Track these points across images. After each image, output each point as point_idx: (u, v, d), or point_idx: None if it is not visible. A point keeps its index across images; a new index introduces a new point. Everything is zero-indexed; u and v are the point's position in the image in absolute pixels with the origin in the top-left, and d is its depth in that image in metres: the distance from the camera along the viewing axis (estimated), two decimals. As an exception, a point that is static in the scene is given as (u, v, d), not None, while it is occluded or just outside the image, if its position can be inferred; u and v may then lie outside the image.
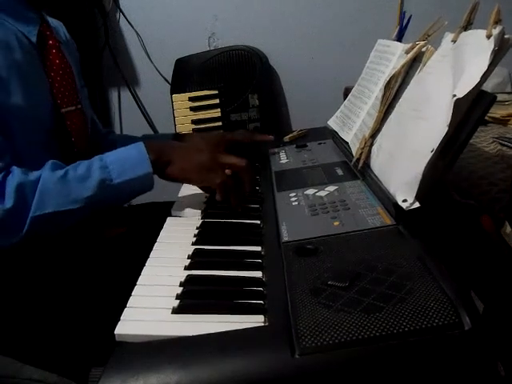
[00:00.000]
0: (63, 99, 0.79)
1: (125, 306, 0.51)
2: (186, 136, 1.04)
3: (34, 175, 0.66)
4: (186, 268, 0.59)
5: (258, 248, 0.63)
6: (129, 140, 1.01)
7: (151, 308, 0.51)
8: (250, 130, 0.93)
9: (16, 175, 0.65)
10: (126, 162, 0.71)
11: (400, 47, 0.81)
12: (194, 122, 1.48)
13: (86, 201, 0.67)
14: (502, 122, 0.92)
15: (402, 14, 0.86)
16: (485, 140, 0.83)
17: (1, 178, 0.64)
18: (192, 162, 0.74)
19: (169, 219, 0.74)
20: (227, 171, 0.76)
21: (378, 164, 0.72)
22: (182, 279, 0.55)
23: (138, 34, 1.57)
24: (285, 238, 0.62)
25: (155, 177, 0.73)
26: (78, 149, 0.82)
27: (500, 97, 0.99)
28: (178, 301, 0.51)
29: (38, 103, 0.75)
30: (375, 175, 0.71)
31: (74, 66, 0.89)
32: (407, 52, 0.76)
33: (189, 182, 0.79)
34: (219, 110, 1.47)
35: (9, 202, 0.62)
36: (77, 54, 0.96)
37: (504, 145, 0.79)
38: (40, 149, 0.76)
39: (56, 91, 0.78)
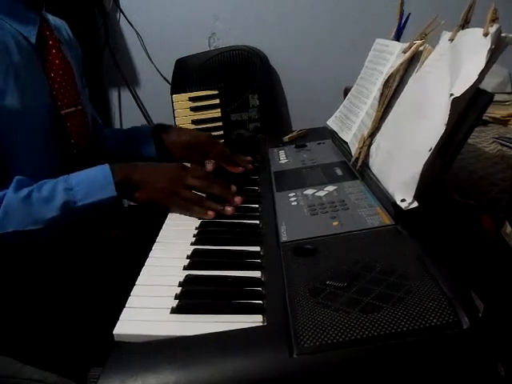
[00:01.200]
0: (63, 100, 0.79)
1: (124, 306, 0.51)
2: (172, 131, 1.02)
3: None
4: (185, 268, 0.59)
5: (257, 248, 0.63)
6: (118, 134, 1.01)
7: (150, 308, 0.51)
8: (227, 151, 0.91)
9: None
10: (90, 184, 0.70)
11: (398, 46, 0.81)
12: (194, 122, 1.48)
13: (48, 222, 0.67)
14: (502, 122, 0.92)
15: (402, 13, 0.86)
16: (485, 140, 0.83)
17: None
18: (159, 185, 0.74)
19: (168, 219, 0.74)
20: None
21: (376, 164, 0.72)
22: (181, 279, 0.56)
23: (138, 33, 1.57)
24: (284, 237, 0.62)
25: None
26: (78, 150, 0.82)
27: (500, 97, 0.98)
28: (176, 301, 0.52)
29: (36, 105, 0.74)
30: (374, 175, 0.71)
31: (76, 65, 0.89)
32: (405, 51, 0.76)
33: (157, 204, 0.78)
34: (219, 110, 1.46)
35: None
36: (80, 53, 0.95)
37: (504, 145, 0.79)
38: (39, 150, 0.76)
39: (56, 92, 0.78)
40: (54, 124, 0.78)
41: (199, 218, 0.72)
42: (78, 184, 0.70)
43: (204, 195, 0.75)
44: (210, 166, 0.84)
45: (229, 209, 0.73)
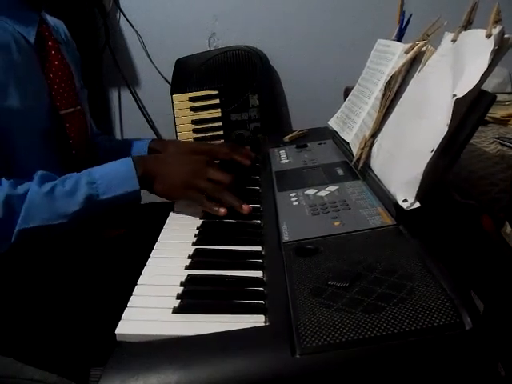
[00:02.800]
0: (62, 101, 0.79)
1: (125, 306, 0.51)
2: (170, 145, 0.99)
3: (22, 188, 0.66)
4: (187, 268, 0.59)
5: (259, 248, 0.63)
6: (111, 143, 1.01)
7: (152, 308, 0.51)
8: (232, 143, 0.90)
9: (4, 187, 0.65)
10: (113, 178, 0.71)
11: (400, 47, 0.81)
12: (194, 122, 1.48)
13: (72, 215, 0.68)
14: (503, 122, 0.92)
15: (402, 14, 0.86)
16: (485, 140, 0.83)
17: None
18: (173, 180, 0.74)
19: (169, 219, 0.74)
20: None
21: (378, 164, 0.72)
22: (183, 279, 0.56)
23: (138, 34, 1.57)
24: (285, 237, 0.62)
25: None
26: (76, 151, 0.82)
27: (500, 97, 0.99)
28: (178, 300, 0.52)
29: (35, 105, 0.74)
30: (375, 175, 0.71)
31: (74, 66, 0.89)
32: (407, 52, 0.76)
33: (172, 199, 0.78)
34: (219, 110, 1.46)
35: None
36: (77, 53, 0.95)
37: (504, 145, 0.79)
38: (38, 150, 0.75)
39: (55, 93, 0.78)
40: (53, 124, 0.78)
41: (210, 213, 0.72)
42: (101, 178, 0.70)
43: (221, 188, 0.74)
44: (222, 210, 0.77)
45: (245, 207, 0.71)
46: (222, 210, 0.71)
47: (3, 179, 0.67)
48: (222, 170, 0.77)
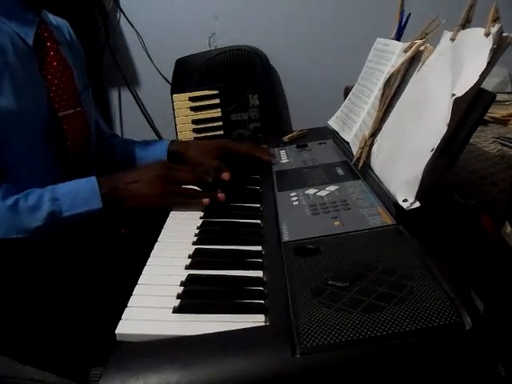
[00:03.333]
0: (60, 103, 0.79)
1: (126, 306, 0.51)
2: (184, 144, 1.02)
3: None
4: (187, 267, 0.59)
5: (259, 248, 0.63)
6: (129, 144, 1.01)
7: (152, 307, 0.51)
8: (252, 143, 0.94)
9: None
10: (76, 195, 0.71)
11: (399, 46, 0.81)
12: (194, 121, 1.48)
13: (34, 230, 0.68)
14: (503, 121, 0.92)
15: (402, 13, 0.86)
16: (485, 140, 0.83)
17: None
18: (145, 191, 0.74)
19: (169, 219, 0.74)
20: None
21: (378, 164, 0.72)
22: (183, 279, 0.55)
23: (138, 33, 1.57)
24: (285, 237, 0.62)
25: None
26: (74, 153, 0.81)
27: (500, 97, 0.99)
28: (178, 300, 0.51)
29: (32, 107, 0.74)
30: (376, 175, 0.71)
31: (78, 66, 0.88)
32: (406, 51, 0.76)
33: (150, 208, 0.78)
34: (219, 109, 1.47)
35: None
36: (82, 52, 0.95)
37: (504, 145, 0.79)
38: (35, 152, 0.75)
39: (53, 94, 0.77)
40: (51, 126, 0.78)
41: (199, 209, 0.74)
42: (65, 195, 0.70)
43: (193, 187, 0.77)
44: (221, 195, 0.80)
45: (221, 195, 0.75)
46: (206, 201, 0.74)
47: None
48: (181, 166, 0.80)
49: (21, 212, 0.67)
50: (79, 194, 0.71)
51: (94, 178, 0.73)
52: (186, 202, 0.75)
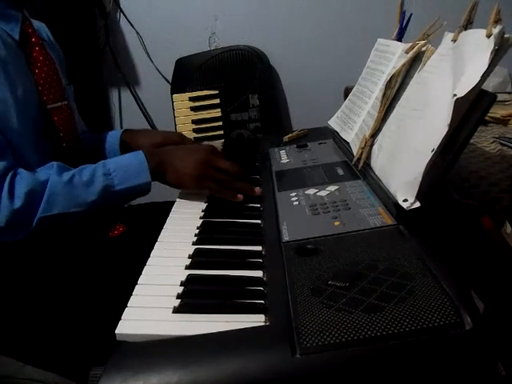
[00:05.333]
0: (49, 95, 0.80)
1: (126, 306, 0.51)
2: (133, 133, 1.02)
3: (42, 177, 0.69)
4: (187, 267, 0.59)
5: (259, 248, 0.63)
6: (93, 139, 1.01)
7: (152, 307, 0.51)
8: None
9: (25, 178, 0.68)
10: (127, 170, 0.75)
11: (400, 47, 0.81)
12: (194, 121, 1.48)
13: (89, 204, 0.72)
14: (503, 121, 0.93)
15: (402, 14, 0.86)
16: (485, 140, 0.83)
17: (9, 178, 0.67)
18: (187, 171, 0.77)
19: (169, 219, 0.74)
20: None
21: (378, 164, 0.72)
22: (183, 279, 0.55)
23: (138, 33, 1.57)
24: (285, 237, 0.62)
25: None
26: (67, 144, 0.83)
27: (500, 97, 0.99)
28: (178, 300, 0.51)
29: (24, 99, 0.75)
30: (376, 175, 0.71)
31: (58, 65, 0.89)
32: (407, 52, 0.76)
33: (187, 189, 0.82)
34: (219, 109, 1.47)
35: (18, 203, 0.66)
36: (61, 54, 0.96)
37: (504, 145, 0.79)
38: (30, 146, 0.76)
39: (41, 88, 0.79)
40: (43, 118, 0.79)
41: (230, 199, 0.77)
42: (116, 170, 0.74)
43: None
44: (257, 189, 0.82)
45: (256, 189, 0.79)
46: (240, 196, 0.77)
47: (21, 169, 0.69)
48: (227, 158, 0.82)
49: (77, 187, 0.71)
50: (129, 168, 0.75)
51: (141, 153, 0.77)
52: (222, 192, 0.78)
